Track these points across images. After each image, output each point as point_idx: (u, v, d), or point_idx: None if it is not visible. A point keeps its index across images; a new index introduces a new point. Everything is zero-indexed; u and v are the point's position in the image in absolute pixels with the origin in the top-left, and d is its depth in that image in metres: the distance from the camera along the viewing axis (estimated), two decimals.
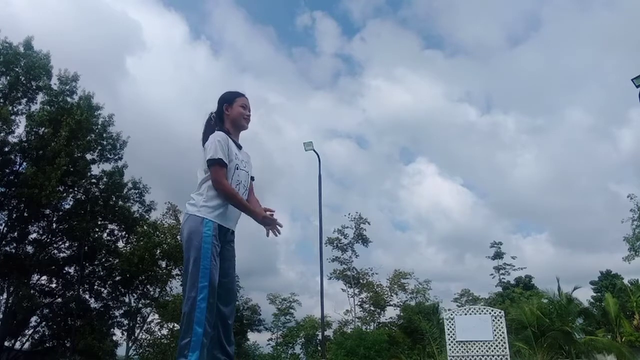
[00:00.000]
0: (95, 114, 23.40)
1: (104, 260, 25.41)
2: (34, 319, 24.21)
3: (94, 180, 24.04)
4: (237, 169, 3.01)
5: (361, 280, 30.00)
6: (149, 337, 27.59)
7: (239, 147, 3.15)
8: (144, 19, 70.37)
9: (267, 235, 3.06)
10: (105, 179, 24.09)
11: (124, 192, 25.18)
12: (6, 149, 21.06)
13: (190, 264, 2.77)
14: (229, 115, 3.15)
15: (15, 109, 21.33)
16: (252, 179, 3.25)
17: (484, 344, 11.38)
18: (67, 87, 22.69)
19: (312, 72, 77.21)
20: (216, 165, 2.87)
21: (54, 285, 24.80)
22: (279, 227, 3.05)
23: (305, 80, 78.89)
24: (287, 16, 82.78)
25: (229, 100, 3.18)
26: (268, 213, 3.04)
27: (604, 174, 58.21)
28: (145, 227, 25.86)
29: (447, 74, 70.37)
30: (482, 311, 12.15)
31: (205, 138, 3.10)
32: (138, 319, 27.48)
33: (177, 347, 2.73)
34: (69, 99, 22.65)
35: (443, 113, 64.58)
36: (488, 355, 11.27)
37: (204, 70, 71.35)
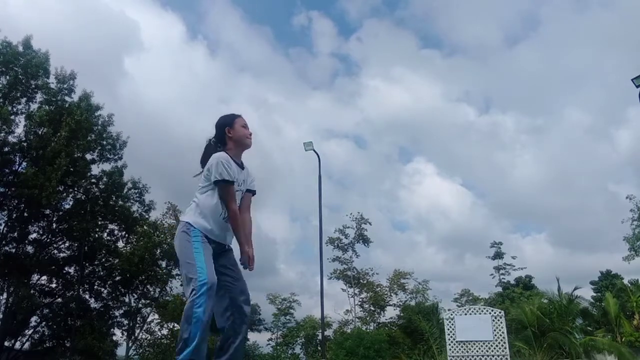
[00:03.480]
0: (96, 114, 23.40)
1: (104, 260, 25.39)
2: (34, 319, 24.21)
3: (93, 181, 24.03)
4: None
5: (361, 280, 29.99)
6: (149, 337, 27.62)
7: (241, 167, 3.24)
8: (141, 19, 70.41)
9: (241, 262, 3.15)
10: (105, 179, 24.08)
11: (124, 192, 25.17)
12: (6, 149, 21.04)
13: (184, 266, 2.88)
14: (232, 137, 3.23)
15: (14, 109, 21.33)
16: (254, 193, 3.35)
17: (484, 344, 11.38)
18: (65, 85, 22.68)
19: (309, 72, 77.29)
20: (222, 185, 3.01)
21: (54, 285, 24.82)
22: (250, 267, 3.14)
23: (303, 81, 78.95)
24: (283, 16, 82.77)
25: (229, 123, 3.26)
26: (250, 255, 3.13)
27: (603, 174, 58.23)
28: (145, 227, 25.85)
29: (445, 73, 70.42)
30: (482, 311, 12.16)
31: (204, 161, 3.21)
32: (138, 319, 27.49)
33: (177, 343, 2.80)
34: (67, 98, 22.66)
35: (441, 113, 64.63)
36: (488, 355, 11.27)
37: (202, 70, 71.42)
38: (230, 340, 2.98)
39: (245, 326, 3.08)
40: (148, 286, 26.97)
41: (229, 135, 3.23)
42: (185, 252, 2.92)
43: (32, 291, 23.02)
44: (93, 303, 25.57)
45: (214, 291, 2.81)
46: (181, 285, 3.15)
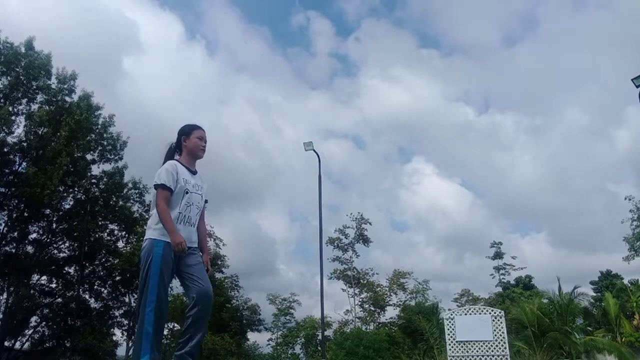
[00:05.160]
0: (96, 114, 23.41)
1: (104, 260, 25.39)
2: (34, 319, 24.22)
3: (94, 181, 24.05)
4: (188, 193, 3.39)
5: (361, 280, 29.96)
6: None
7: (193, 172, 3.53)
8: (139, 19, 70.32)
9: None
10: (105, 179, 24.10)
11: (124, 192, 25.18)
12: (6, 149, 21.04)
13: (142, 282, 3.19)
14: (186, 146, 3.55)
15: (15, 109, 21.34)
16: (206, 201, 3.62)
17: (484, 344, 11.38)
18: (66, 85, 22.67)
19: (308, 72, 77.31)
20: (158, 189, 3.29)
21: (54, 285, 24.82)
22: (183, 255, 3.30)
23: (302, 81, 78.96)
24: (281, 16, 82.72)
25: (186, 133, 3.58)
26: (206, 261, 3.47)
27: (602, 174, 58.31)
28: (145, 227, 25.83)
29: (444, 73, 70.45)
30: (482, 311, 12.16)
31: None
32: None
33: (132, 356, 3.17)
34: (67, 98, 22.65)
35: (440, 113, 64.69)
36: (488, 355, 11.27)
37: (200, 70, 71.44)
38: (191, 335, 3.21)
39: (206, 322, 3.34)
40: None
41: (184, 144, 3.55)
42: (144, 269, 3.20)
43: (32, 291, 23.02)
44: (93, 303, 25.62)
45: (165, 308, 3.16)
46: (136, 300, 3.64)
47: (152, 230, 3.29)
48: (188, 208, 3.37)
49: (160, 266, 3.17)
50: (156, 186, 3.30)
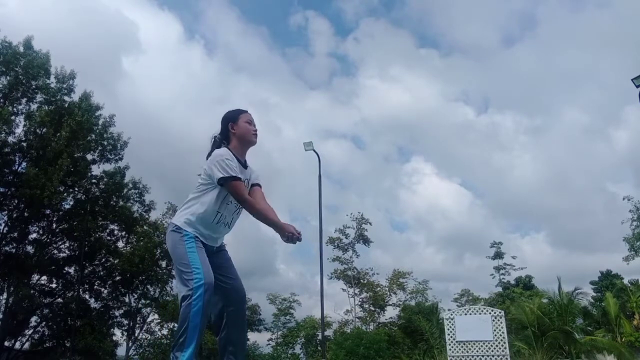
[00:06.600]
0: (96, 114, 23.43)
1: (104, 260, 25.40)
2: (34, 319, 24.21)
3: (94, 181, 24.07)
4: None
5: (362, 280, 29.99)
6: (149, 337, 27.61)
7: (245, 166, 3.08)
8: (138, 19, 70.27)
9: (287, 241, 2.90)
10: (105, 179, 24.12)
11: (124, 192, 25.19)
12: (6, 150, 21.04)
13: (179, 267, 2.76)
14: (235, 132, 3.08)
15: (15, 109, 21.34)
16: (260, 186, 3.15)
17: (484, 344, 11.39)
18: (64, 85, 22.69)
19: (307, 72, 77.20)
20: (232, 182, 2.82)
21: (54, 285, 24.82)
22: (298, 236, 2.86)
23: (301, 80, 78.92)
24: (280, 16, 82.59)
25: (233, 118, 3.11)
26: (291, 231, 2.83)
27: (602, 174, 58.29)
28: (145, 227, 25.85)
29: (443, 73, 70.32)
30: (482, 311, 12.16)
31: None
32: (138, 319, 27.47)
33: (173, 343, 2.72)
34: (66, 98, 22.68)
35: (440, 112, 64.60)
36: (488, 355, 11.27)
37: (199, 71, 71.24)
38: (227, 343, 2.93)
39: (245, 322, 3.02)
40: (148, 286, 26.97)
41: (232, 131, 3.08)
42: (178, 253, 2.78)
43: (32, 291, 23.01)
44: (93, 303, 25.62)
45: (212, 291, 2.69)
46: (175, 289, 2.96)
47: (183, 222, 2.88)
48: (226, 206, 2.94)
49: (195, 244, 2.79)
50: (226, 179, 2.81)
